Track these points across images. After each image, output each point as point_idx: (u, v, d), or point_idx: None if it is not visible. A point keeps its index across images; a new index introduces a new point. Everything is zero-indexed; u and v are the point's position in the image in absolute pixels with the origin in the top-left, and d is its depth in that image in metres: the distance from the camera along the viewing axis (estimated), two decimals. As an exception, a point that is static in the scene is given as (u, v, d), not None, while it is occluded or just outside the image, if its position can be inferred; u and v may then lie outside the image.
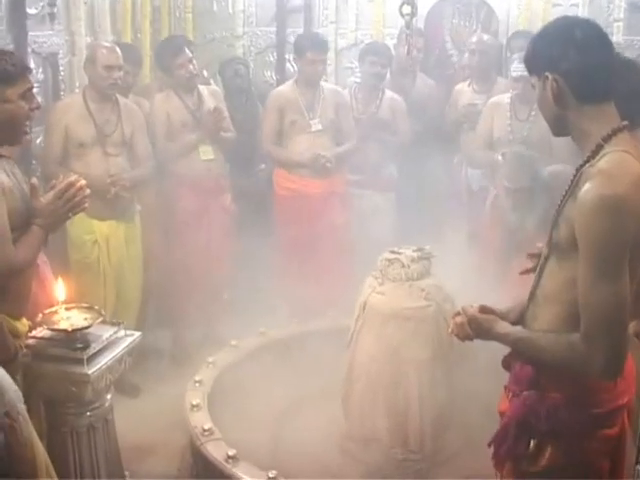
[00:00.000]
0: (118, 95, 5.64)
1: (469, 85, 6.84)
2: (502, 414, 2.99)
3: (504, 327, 2.83)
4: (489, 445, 2.98)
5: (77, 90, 5.98)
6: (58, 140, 5.38)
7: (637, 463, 1.23)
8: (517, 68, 5.98)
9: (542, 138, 5.58)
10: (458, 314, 2.99)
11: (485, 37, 6.88)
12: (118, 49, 5.56)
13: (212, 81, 6.98)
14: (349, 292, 4.95)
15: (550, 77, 2.59)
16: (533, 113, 5.92)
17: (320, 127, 6.45)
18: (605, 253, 2.41)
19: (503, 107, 6.18)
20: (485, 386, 4.64)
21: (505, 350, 2.97)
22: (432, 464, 4.65)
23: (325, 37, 6.97)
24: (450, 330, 3.03)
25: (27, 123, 3.53)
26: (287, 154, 6.50)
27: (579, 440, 2.68)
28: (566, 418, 2.69)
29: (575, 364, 2.56)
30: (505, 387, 3.05)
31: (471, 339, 2.96)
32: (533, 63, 2.72)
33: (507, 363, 3.01)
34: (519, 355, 2.87)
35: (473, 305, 2.98)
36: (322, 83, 6.63)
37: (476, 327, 2.88)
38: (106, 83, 5.43)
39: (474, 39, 6.85)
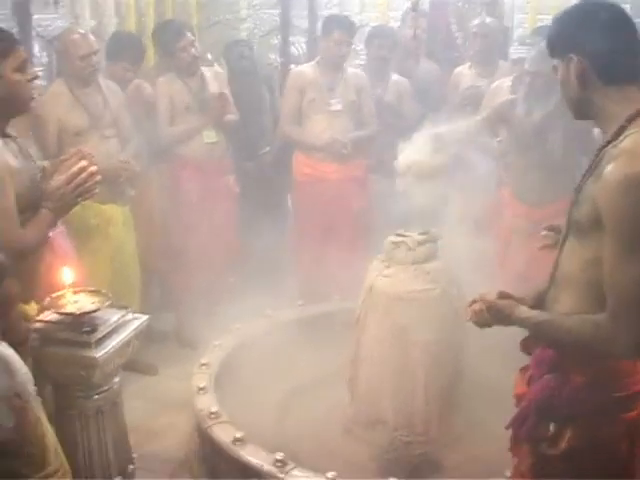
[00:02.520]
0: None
1: (470, 68, 6.78)
2: (519, 397, 3.00)
3: (525, 311, 2.82)
4: (507, 428, 2.99)
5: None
6: (53, 133, 5.34)
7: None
8: (517, 50, 5.98)
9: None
10: (475, 301, 2.98)
11: (487, 20, 6.84)
12: (88, 34, 5.53)
13: (216, 64, 6.97)
14: (360, 276, 4.95)
15: (575, 58, 2.59)
16: None
17: (340, 107, 6.42)
18: (632, 232, 2.42)
19: (504, 91, 6.16)
20: (491, 369, 4.68)
21: (515, 334, 2.99)
22: (438, 446, 4.63)
23: (354, 21, 6.92)
24: (468, 317, 3.02)
25: (30, 92, 3.52)
26: (304, 136, 6.48)
27: (599, 423, 2.68)
28: (587, 401, 2.69)
29: (601, 344, 2.56)
30: (521, 370, 3.06)
31: (490, 326, 2.96)
32: (557, 44, 2.71)
33: (526, 347, 3.01)
34: (541, 338, 2.87)
35: (489, 292, 2.98)
36: (345, 65, 6.57)
37: (496, 313, 2.87)
38: (85, 72, 5.41)
39: (476, 22, 6.82)
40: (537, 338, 2.90)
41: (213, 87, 6.29)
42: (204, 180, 6.30)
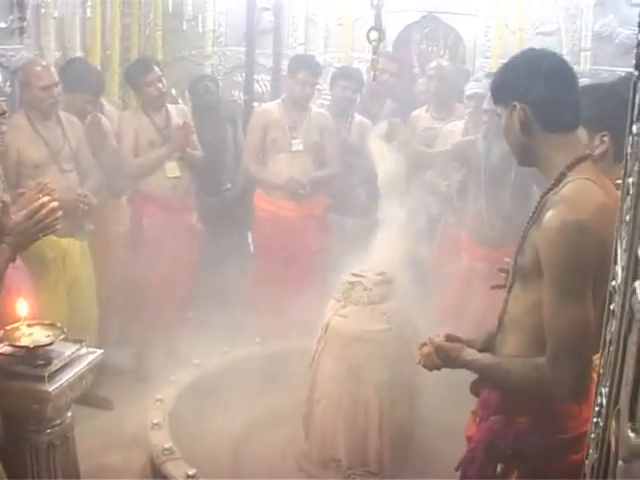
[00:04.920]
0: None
1: (427, 111, 6.83)
2: (469, 439, 3.04)
3: (471, 354, 2.88)
4: (456, 469, 3.02)
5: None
6: (12, 165, 5.25)
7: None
8: (471, 86, 6.07)
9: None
10: (425, 344, 3.03)
11: (444, 63, 6.91)
12: (50, 66, 5.57)
13: (180, 100, 7.00)
14: (317, 315, 4.96)
15: (518, 106, 2.66)
16: None
17: (301, 147, 6.47)
18: (569, 278, 2.48)
19: (457, 133, 6.24)
20: (446, 409, 4.71)
21: (470, 373, 3.03)
22: (391, 485, 4.67)
23: (320, 62, 7.01)
24: (417, 361, 3.06)
25: None
26: (265, 174, 6.52)
27: (545, 465, 2.72)
28: (532, 443, 2.74)
29: (542, 387, 2.61)
30: (472, 412, 3.09)
31: (439, 368, 3.00)
32: (501, 92, 2.80)
33: (475, 389, 3.05)
34: (487, 380, 2.91)
35: (439, 335, 3.03)
36: (311, 105, 6.64)
37: (444, 356, 2.93)
38: (46, 104, 5.40)
39: (432, 64, 6.88)
40: (484, 380, 2.94)
41: (177, 121, 6.32)
42: (166, 216, 6.26)
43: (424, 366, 3.03)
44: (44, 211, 3.38)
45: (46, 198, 3.45)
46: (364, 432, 4.64)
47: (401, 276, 4.83)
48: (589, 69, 7.02)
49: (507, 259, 3.16)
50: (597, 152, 3.00)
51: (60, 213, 3.45)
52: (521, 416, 2.77)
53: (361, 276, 4.76)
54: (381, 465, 4.67)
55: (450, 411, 4.65)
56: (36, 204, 3.39)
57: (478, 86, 6.07)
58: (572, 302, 2.48)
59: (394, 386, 4.59)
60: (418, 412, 4.80)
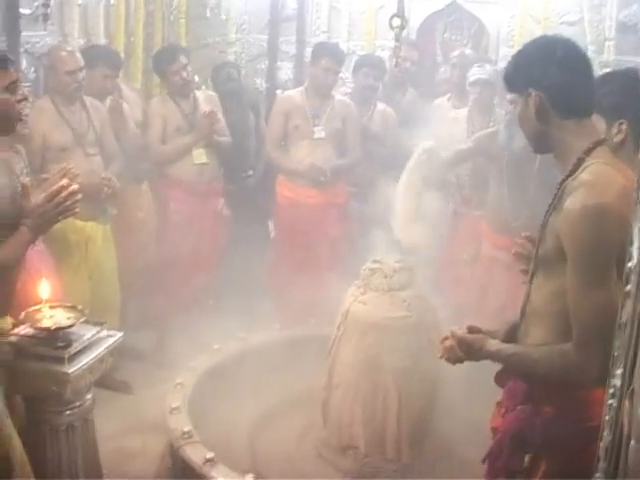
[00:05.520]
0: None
1: (448, 100, 6.80)
2: (495, 430, 3.03)
3: (495, 344, 2.87)
4: (483, 461, 3.01)
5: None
6: (37, 148, 5.29)
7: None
8: (474, 72, 6.03)
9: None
10: (447, 338, 3.02)
11: (467, 51, 6.91)
12: (75, 51, 5.59)
13: (203, 86, 7.01)
14: (336, 302, 4.97)
15: (533, 93, 2.66)
16: (491, 124, 5.95)
17: (323, 135, 6.46)
18: (593, 262, 2.48)
19: (461, 120, 6.22)
20: (465, 397, 4.71)
21: (490, 364, 3.02)
22: (408, 474, 4.65)
23: (343, 50, 6.98)
24: (440, 355, 3.06)
25: (19, 113, 3.55)
26: (286, 161, 6.53)
27: (573, 453, 2.70)
28: (560, 432, 2.73)
29: (569, 374, 2.60)
30: (497, 403, 3.09)
31: (462, 361, 3.00)
32: (515, 80, 2.80)
33: (500, 379, 3.05)
34: (512, 370, 2.91)
35: (460, 327, 3.02)
36: (334, 93, 6.63)
37: (466, 348, 2.92)
38: (71, 88, 5.45)
39: (455, 53, 6.87)
40: (508, 371, 2.93)
41: (204, 108, 6.36)
42: (192, 202, 6.35)
43: (447, 360, 3.03)
44: (64, 194, 3.41)
45: (65, 181, 3.48)
46: (382, 420, 4.64)
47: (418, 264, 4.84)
48: (613, 59, 6.97)
49: (523, 235, 3.17)
50: (615, 140, 2.99)
51: (80, 196, 3.48)
52: (548, 405, 2.76)
53: (381, 263, 4.76)
54: (399, 453, 4.67)
55: (469, 400, 4.66)
56: (55, 187, 3.42)
57: (482, 72, 6.04)
58: (596, 286, 2.47)
59: (413, 374, 4.59)
60: (437, 401, 4.80)
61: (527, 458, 2.82)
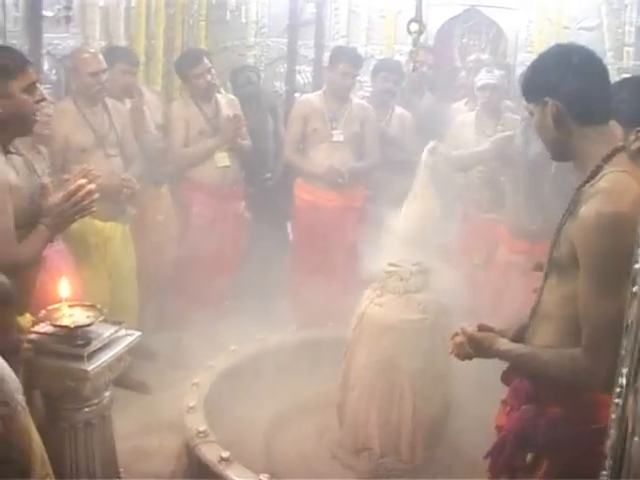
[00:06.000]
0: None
1: (466, 104, 6.80)
2: (499, 428, 3.05)
3: (504, 343, 2.89)
4: (485, 457, 3.04)
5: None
6: (58, 149, 5.36)
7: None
8: (483, 77, 6.03)
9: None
10: (457, 334, 3.05)
11: (483, 56, 6.92)
12: (98, 53, 5.67)
13: (222, 90, 7.06)
14: (353, 304, 5.00)
15: (550, 102, 2.67)
16: (499, 128, 5.96)
17: (341, 138, 6.50)
18: (605, 269, 2.48)
19: (469, 124, 6.23)
20: (480, 401, 4.71)
21: (501, 365, 3.04)
22: (423, 475, 4.67)
23: (361, 54, 7.02)
24: (450, 351, 3.09)
25: (35, 115, 3.60)
26: (305, 164, 6.57)
27: (576, 455, 2.72)
28: (564, 433, 2.74)
29: (579, 377, 2.62)
30: (502, 401, 3.11)
31: (471, 358, 3.02)
32: (532, 89, 2.80)
33: (506, 378, 3.06)
34: (520, 370, 2.92)
35: (471, 325, 3.05)
36: (352, 97, 6.66)
37: (476, 346, 2.94)
38: (94, 89, 5.52)
39: (471, 57, 6.89)
40: (517, 370, 2.95)
41: (228, 112, 6.41)
42: (214, 204, 6.43)
43: (456, 356, 3.06)
44: (81, 193, 3.47)
45: (83, 180, 3.53)
46: (397, 421, 4.66)
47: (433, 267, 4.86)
48: (632, 64, 6.96)
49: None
50: (633, 147, 2.99)
51: (97, 195, 3.53)
52: (553, 405, 2.78)
53: (398, 266, 4.78)
54: (413, 455, 4.69)
55: (484, 403, 4.65)
56: (73, 186, 3.47)
57: (490, 77, 6.04)
58: (609, 293, 2.48)
59: (428, 376, 4.62)
60: (451, 402, 4.81)
61: (529, 456, 2.84)
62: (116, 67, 5.93)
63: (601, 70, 2.72)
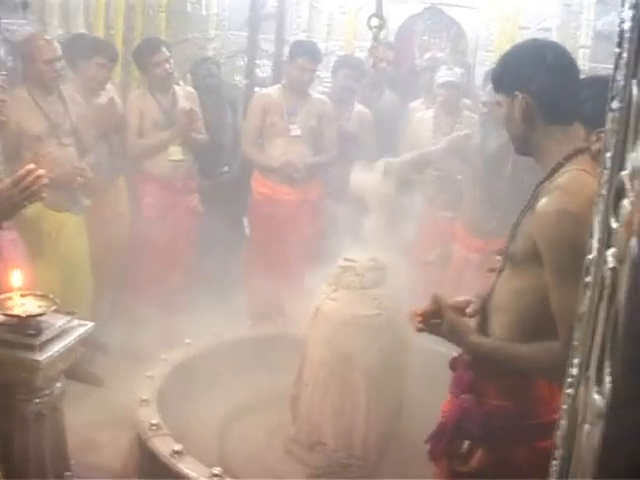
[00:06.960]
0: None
1: (422, 102, 6.81)
2: (444, 414, 3.07)
3: (478, 337, 2.86)
4: (426, 442, 3.05)
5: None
6: (11, 136, 5.27)
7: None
8: (443, 74, 6.07)
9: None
10: (435, 302, 2.86)
11: (438, 54, 6.97)
12: (54, 40, 5.61)
13: (181, 82, 7.02)
14: (308, 299, 4.99)
15: (520, 96, 2.67)
16: (457, 126, 6.00)
17: (299, 133, 6.49)
18: (566, 261, 2.48)
19: (427, 121, 6.26)
20: (435, 396, 4.72)
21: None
22: (376, 472, 4.69)
23: (320, 49, 7.00)
24: (420, 312, 2.89)
25: None
26: (262, 158, 6.55)
27: (511, 447, 2.76)
28: (501, 425, 2.77)
29: (556, 370, 2.62)
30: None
31: (431, 333, 2.89)
32: (503, 81, 2.80)
33: (454, 365, 3.07)
34: (493, 363, 2.86)
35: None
36: (311, 92, 6.66)
37: (451, 327, 2.80)
38: (48, 77, 5.47)
39: (427, 55, 6.94)
40: (487, 362, 2.91)
41: (184, 105, 6.37)
42: (166, 197, 6.38)
43: (419, 322, 2.87)
44: (30, 178, 3.41)
45: (32, 165, 3.47)
46: (351, 417, 4.66)
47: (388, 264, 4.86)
48: (589, 66, 7.03)
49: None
50: (593, 148, 3.01)
51: (45, 181, 3.47)
52: (492, 398, 2.81)
53: (353, 261, 4.78)
54: (367, 450, 4.69)
55: (439, 398, 4.67)
56: (22, 171, 3.42)
57: (450, 74, 6.08)
58: (575, 285, 2.49)
59: (383, 371, 4.61)
60: (406, 399, 4.83)
61: (465, 444, 2.86)
62: (94, 60, 5.89)
63: (573, 70, 2.74)
